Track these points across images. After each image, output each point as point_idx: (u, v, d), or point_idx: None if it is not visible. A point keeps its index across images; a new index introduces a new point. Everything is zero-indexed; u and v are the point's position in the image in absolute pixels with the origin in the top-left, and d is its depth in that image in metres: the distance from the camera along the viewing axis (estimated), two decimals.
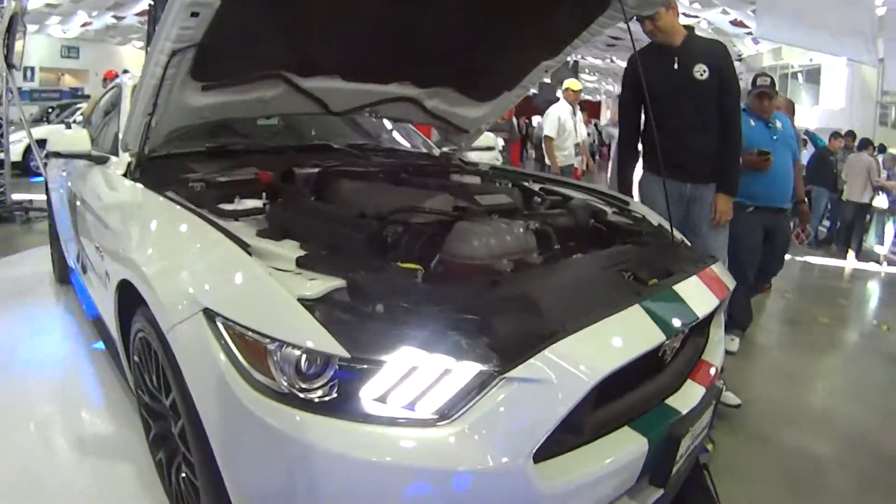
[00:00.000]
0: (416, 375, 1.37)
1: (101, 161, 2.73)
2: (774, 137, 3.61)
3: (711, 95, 2.95)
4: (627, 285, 1.85)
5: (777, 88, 3.80)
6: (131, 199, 2.33)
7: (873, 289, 6.83)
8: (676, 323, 1.78)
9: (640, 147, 3.32)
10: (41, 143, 6.49)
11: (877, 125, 13.66)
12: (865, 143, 8.92)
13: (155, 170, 2.36)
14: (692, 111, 2.96)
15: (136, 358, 2.04)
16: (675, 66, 2.96)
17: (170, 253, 1.86)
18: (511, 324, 1.45)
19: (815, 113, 16.40)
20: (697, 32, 3.32)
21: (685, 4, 13.84)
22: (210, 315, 1.50)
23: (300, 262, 1.62)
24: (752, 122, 3.56)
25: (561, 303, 1.60)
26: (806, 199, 4.34)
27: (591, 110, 25.50)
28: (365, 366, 1.37)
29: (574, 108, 6.70)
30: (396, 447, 1.33)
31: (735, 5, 13.80)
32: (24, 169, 10.36)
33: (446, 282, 1.69)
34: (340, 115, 2.97)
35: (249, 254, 1.61)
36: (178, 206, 1.98)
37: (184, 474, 1.83)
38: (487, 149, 3.74)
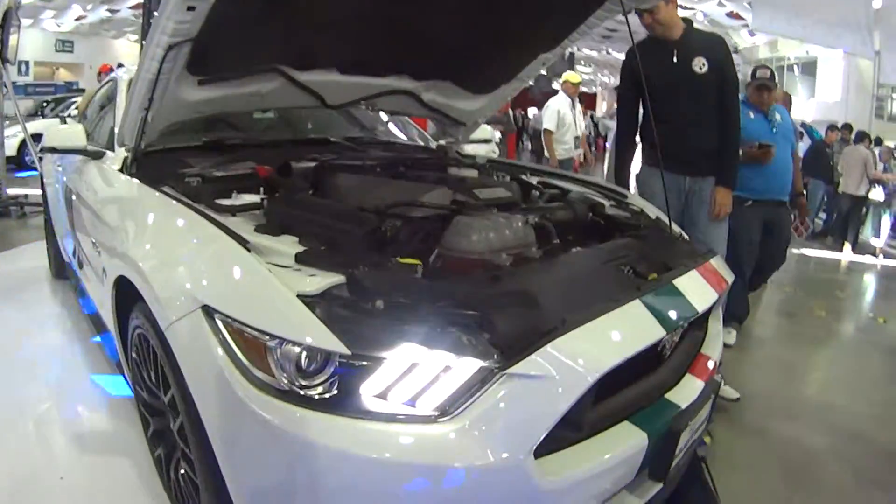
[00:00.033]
0: (416, 372, 1.36)
1: (97, 156, 2.71)
2: (774, 130, 3.61)
3: (711, 89, 2.95)
4: (627, 280, 1.85)
5: (776, 81, 3.79)
6: (127, 195, 2.31)
7: (869, 281, 6.85)
8: (676, 318, 1.78)
9: (638, 140, 3.31)
10: (36, 137, 6.46)
11: (872, 118, 13.69)
12: (862, 136, 8.94)
13: (151, 165, 2.34)
14: (691, 105, 2.95)
15: (133, 354, 2.03)
16: (674, 60, 2.95)
17: (167, 249, 1.85)
18: (511, 319, 1.44)
19: (810, 105, 16.44)
20: (694, 25, 3.31)
21: None
22: (209, 312, 1.50)
23: (299, 258, 1.61)
24: (752, 115, 3.56)
25: (561, 298, 1.60)
26: (804, 192, 4.34)
27: (586, 102, 25.51)
28: (365, 362, 1.36)
29: (573, 101, 6.66)
30: (397, 444, 1.32)
31: None
32: (19, 163, 10.33)
33: (446, 277, 1.68)
34: (337, 109, 2.96)
35: (248, 250, 1.60)
36: (175, 202, 1.97)
37: (183, 471, 1.83)
38: (484, 141, 3.72)
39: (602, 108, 29.63)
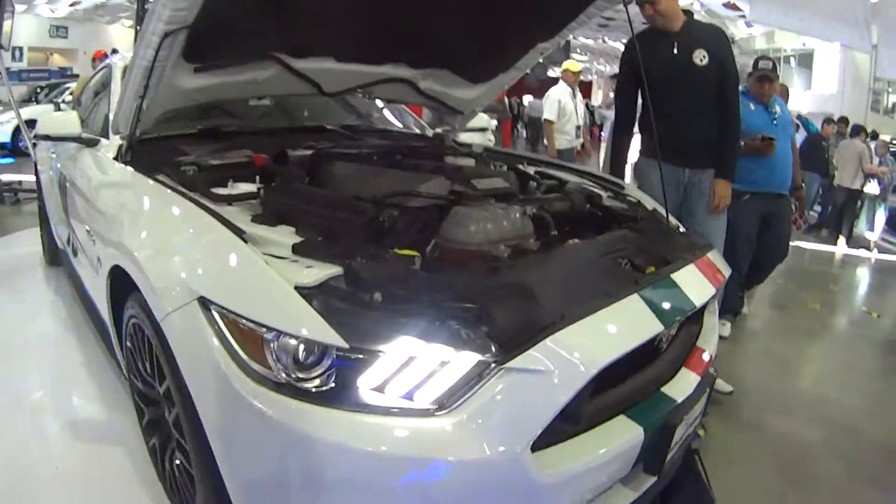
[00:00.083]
0: (414, 365, 1.36)
1: (92, 144, 2.68)
2: (775, 122, 3.60)
3: (711, 81, 2.93)
4: (625, 273, 1.85)
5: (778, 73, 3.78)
6: (122, 184, 2.29)
7: (863, 275, 6.87)
8: (674, 313, 1.78)
9: (635, 130, 3.30)
10: (30, 123, 6.40)
11: (868, 111, 13.70)
12: (858, 130, 8.94)
13: (146, 153, 2.32)
14: (691, 97, 2.94)
15: (128, 343, 2.02)
16: (675, 52, 2.93)
17: (163, 239, 1.83)
18: (510, 313, 1.44)
19: (806, 97, 16.44)
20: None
21: None
22: (205, 304, 1.49)
23: (296, 249, 1.60)
24: (752, 106, 3.55)
25: (559, 291, 1.60)
26: (802, 185, 4.33)
27: (583, 90, 25.44)
28: (363, 355, 1.36)
29: (574, 90, 6.60)
30: (394, 437, 1.32)
31: None
32: (14, 149, 10.25)
33: (444, 269, 1.67)
34: (334, 97, 2.94)
35: (245, 241, 1.59)
36: (171, 191, 1.95)
37: (178, 461, 1.83)
38: (481, 130, 3.71)
39: (598, 96, 29.50)
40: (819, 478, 2.55)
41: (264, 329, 1.39)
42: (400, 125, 3.71)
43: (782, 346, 4.01)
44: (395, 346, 1.35)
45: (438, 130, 3.50)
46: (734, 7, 15.05)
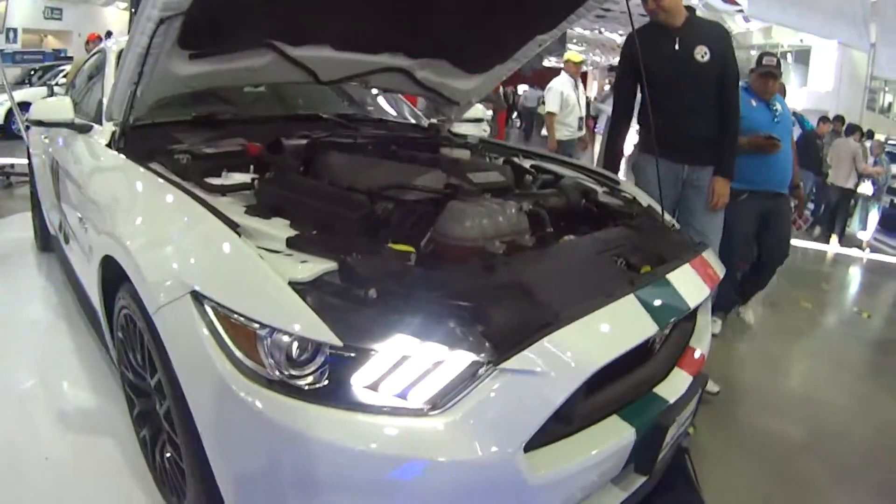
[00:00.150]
0: (408, 364, 1.35)
1: (84, 129, 2.65)
2: (776, 120, 3.59)
3: (712, 78, 2.92)
4: (620, 272, 1.84)
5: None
6: (115, 172, 2.26)
7: (855, 275, 6.90)
8: (669, 314, 1.78)
9: (633, 124, 3.29)
10: (23, 106, 6.34)
11: (864, 109, 13.73)
12: (853, 129, 8.96)
13: (139, 140, 2.29)
14: (692, 93, 2.93)
15: (119, 334, 2.01)
16: (676, 47, 2.91)
17: (156, 231, 1.81)
18: (505, 312, 1.43)
19: (802, 94, 16.46)
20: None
21: None
22: (198, 298, 1.47)
23: (290, 243, 1.59)
24: (754, 103, 3.53)
25: (555, 290, 1.59)
26: (801, 184, 4.33)
27: (583, 81, 25.36)
28: (357, 353, 1.34)
29: (576, 81, 6.55)
30: (387, 436, 1.31)
31: None
32: (6, 132, 10.15)
33: (440, 265, 1.66)
34: (330, 85, 2.92)
35: (239, 234, 1.57)
36: (164, 181, 1.93)
37: (168, 454, 1.81)
38: (476, 120, 3.69)
39: (593, 87, 29.38)
40: (806, 478, 2.57)
41: (257, 325, 1.38)
42: (395, 114, 3.69)
43: (772, 344, 4.03)
44: (389, 345, 1.34)
45: (434, 120, 3.48)
46: (732, 1, 15.01)
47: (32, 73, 12.98)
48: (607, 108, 7.37)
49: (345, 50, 2.65)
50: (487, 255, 1.76)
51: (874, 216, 8.53)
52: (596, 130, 7.97)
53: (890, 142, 9.93)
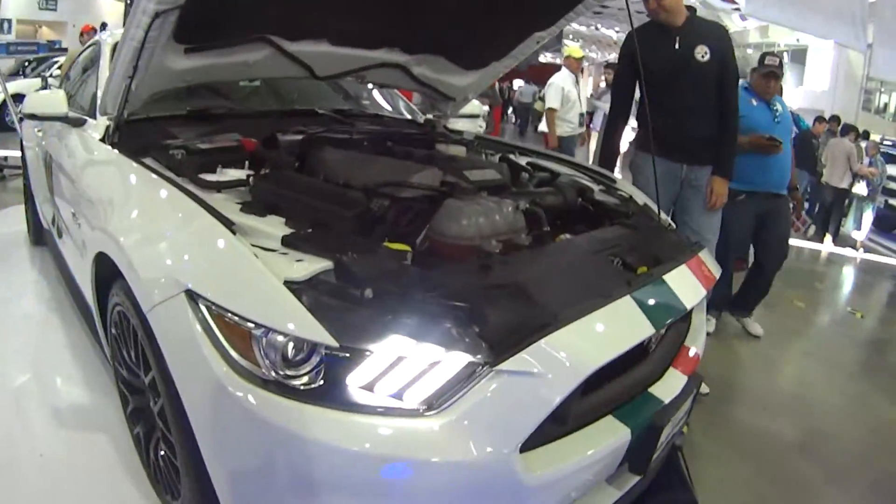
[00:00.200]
0: (404, 365, 1.34)
1: (78, 123, 2.63)
2: (777, 120, 3.59)
3: (711, 78, 2.92)
4: (617, 273, 1.84)
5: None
6: (109, 167, 2.24)
7: (848, 274, 6.92)
8: (665, 315, 1.78)
9: (631, 121, 3.29)
10: (17, 97, 6.29)
11: (859, 109, 13.76)
12: (848, 129, 8.98)
13: (134, 134, 2.27)
14: (692, 93, 2.92)
15: (113, 331, 1.99)
16: (677, 47, 2.91)
17: (150, 229, 1.79)
18: (502, 313, 1.42)
19: (798, 94, 16.49)
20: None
21: None
22: (193, 297, 1.46)
23: (286, 242, 1.58)
24: (754, 103, 3.53)
25: (552, 291, 1.58)
26: (798, 186, 4.33)
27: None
28: (352, 354, 1.34)
29: (577, 77, 6.52)
30: (382, 437, 1.31)
31: None
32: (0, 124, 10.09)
33: (436, 265, 1.65)
34: (326, 80, 2.90)
35: (234, 232, 1.56)
36: (158, 177, 1.91)
37: (163, 452, 1.80)
38: (472, 116, 3.67)
39: (588, 84, 29.28)
40: (799, 477, 2.58)
41: (252, 325, 1.37)
42: (391, 109, 3.67)
43: (766, 343, 4.03)
44: (385, 345, 1.33)
45: (429, 116, 3.47)
46: (730, 0, 14.99)
47: (26, 64, 12.88)
48: (603, 105, 7.36)
49: (341, 45, 2.64)
50: (484, 254, 1.76)
51: (868, 216, 8.56)
52: (591, 127, 7.96)
53: (885, 142, 9.96)
